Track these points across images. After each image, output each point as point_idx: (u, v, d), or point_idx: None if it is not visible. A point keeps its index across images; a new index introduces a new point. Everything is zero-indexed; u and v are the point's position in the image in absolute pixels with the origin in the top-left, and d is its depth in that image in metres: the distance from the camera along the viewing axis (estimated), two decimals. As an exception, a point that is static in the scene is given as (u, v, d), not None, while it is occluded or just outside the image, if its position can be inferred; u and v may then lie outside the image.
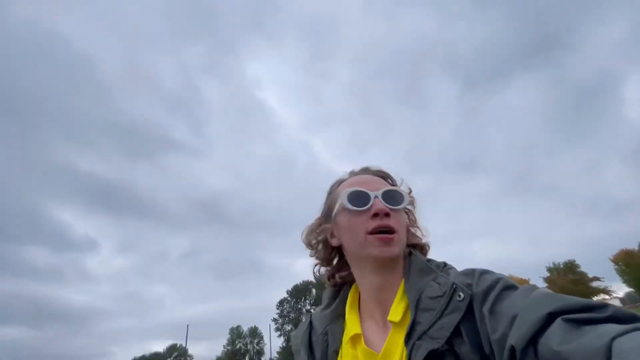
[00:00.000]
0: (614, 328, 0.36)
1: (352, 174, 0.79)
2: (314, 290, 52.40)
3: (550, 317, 0.42)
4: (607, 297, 37.04)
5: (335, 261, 0.78)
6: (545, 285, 41.86)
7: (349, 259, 0.73)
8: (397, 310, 0.60)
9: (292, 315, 62.44)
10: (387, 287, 0.65)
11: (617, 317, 0.39)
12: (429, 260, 0.67)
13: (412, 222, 0.75)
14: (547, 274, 45.25)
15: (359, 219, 0.66)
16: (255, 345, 74.46)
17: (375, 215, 0.64)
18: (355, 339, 0.64)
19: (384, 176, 0.76)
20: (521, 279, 56.31)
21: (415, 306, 0.57)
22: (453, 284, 0.56)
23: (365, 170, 0.78)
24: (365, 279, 0.68)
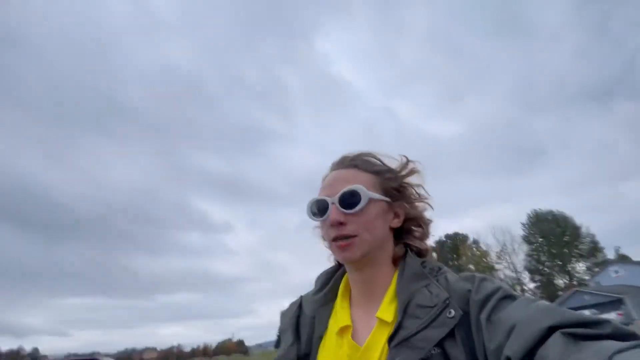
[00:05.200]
0: (613, 345, 0.36)
1: (332, 167, 0.75)
2: (434, 254, 45.57)
3: (550, 331, 0.42)
4: None
5: None
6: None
7: None
8: (387, 310, 0.60)
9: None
10: (370, 282, 0.66)
11: (617, 334, 0.39)
12: (424, 262, 0.65)
13: (410, 200, 0.69)
14: None
15: (323, 227, 0.68)
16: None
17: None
18: (344, 329, 0.64)
19: (356, 165, 0.69)
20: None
21: (404, 310, 0.57)
22: (447, 299, 0.55)
23: (340, 164, 0.72)
24: (350, 275, 0.70)
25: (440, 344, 0.52)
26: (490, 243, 43.14)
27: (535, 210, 43.15)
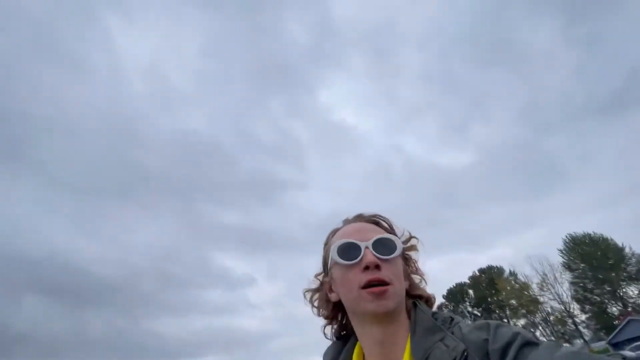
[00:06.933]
0: None
1: (346, 222, 0.74)
2: (470, 291, 49.15)
3: None
4: None
5: (339, 317, 0.73)
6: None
7: (348, 313, 0.68)
8: None
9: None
10: (390, 342, 0.61)
11: None
12: (435, 314, 0.63)
13: (413, 270, 0.71)
14: None
15: (351, 272, 0.63)
16: None
17: (367, 268, 0.61)
18: None
19: (378, 222, 0.71)
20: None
21: None
22: (464, 350, 0.51)
23: (359, 217, 0.73)
24: (366, 334, 0.64)
25: None
26: (528, 274, 40.94)
27: (570, 234, 41.31)
